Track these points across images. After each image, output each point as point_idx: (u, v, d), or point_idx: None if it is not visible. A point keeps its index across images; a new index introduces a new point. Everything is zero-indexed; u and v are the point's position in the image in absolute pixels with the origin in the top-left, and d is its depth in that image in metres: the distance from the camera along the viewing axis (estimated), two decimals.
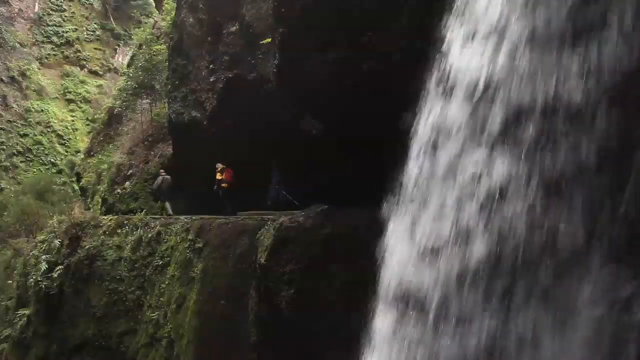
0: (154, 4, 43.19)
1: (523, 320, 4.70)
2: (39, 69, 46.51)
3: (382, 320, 6.16)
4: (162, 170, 20.20)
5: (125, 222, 18.65)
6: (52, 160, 43.84)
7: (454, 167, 5.64)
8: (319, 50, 10.16)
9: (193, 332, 13.67)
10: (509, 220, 4.91)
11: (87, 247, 18.55)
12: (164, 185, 19.57)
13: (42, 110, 45.10)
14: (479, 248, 5.17)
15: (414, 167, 6.34)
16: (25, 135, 43.96)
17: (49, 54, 47.53)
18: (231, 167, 17.02)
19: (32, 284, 19.56)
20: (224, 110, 16.03)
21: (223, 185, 16.93)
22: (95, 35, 49.28)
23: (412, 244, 5.98)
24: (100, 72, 48.68)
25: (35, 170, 42.68)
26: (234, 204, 16.42)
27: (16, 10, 47.01)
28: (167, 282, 15.64)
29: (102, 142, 29.21)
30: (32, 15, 47.69)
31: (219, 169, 17.09)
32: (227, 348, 12.79)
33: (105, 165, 25.73)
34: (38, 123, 44.64)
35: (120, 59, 48.74)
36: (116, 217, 19.60)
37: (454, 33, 6.16)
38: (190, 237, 14.99)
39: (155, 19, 32.22)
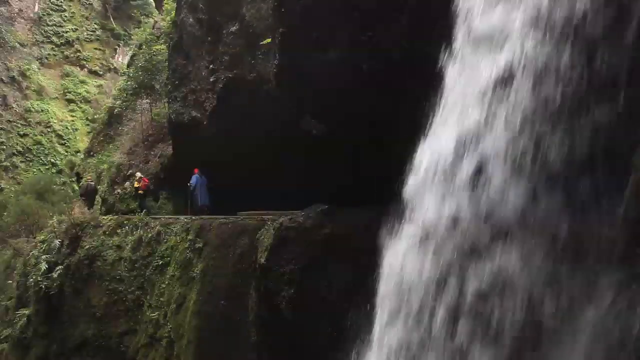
0: (154, 4, 43.17)
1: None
2: (39, 69, 46.46)
3: None
4: (88, 177, 24.79)
5: (125, 222, 18.64)
6: (52, 160, 43.80)
7: None
8: (319, 50, 10.16)
9: (193, 332, 13.66)
10: None
11: (87, 247, 18.54)
12: (88, 191, 23.50)
13: (42, 110, 45.06)
14: None
15: None
16: (25, 135, 43.92)
17: (49, 54, 47.48)
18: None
19: (32, 284, 19.55)
20: (224, 110, 16.01)
21: (139, 192, 20.62)
22: (95, 35, 49.23)
23: None
24: (100, 72, 48.63)
25: (35, 170, 42.65)
26: (149, 205, 20.75)
27: (16, 10, 46.96)
28: (167, 282, 15.63)
29: (102, 142, 29.19)
30: (32, 15, 47.64)
31: (137, 178, 20.87)
32: (227, 348, 12.78)
33: (105, 165, 25.72)
34: (38, 123, 44.60)
35: (120, 59, 48.69)
36: (116, 217, 19.60)
37: None
38: (190, 237, 14.98)
39: (155, 19, 32.21)
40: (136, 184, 20.80)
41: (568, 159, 4.68)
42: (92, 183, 24.06)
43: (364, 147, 10.98)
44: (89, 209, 23.55)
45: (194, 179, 17.96)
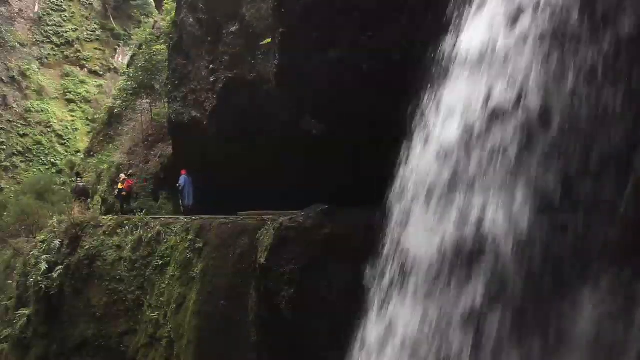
0: (154, 4, 43.13)
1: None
2: (39, 69, 46.44)
3: None
4: (79, 178, 26.66)
5: (125, 222, 18.63)
6: (52, 160, 43.77)
7: None
8: (319, 50, 10.17)
9: (193, 332, 13.66)
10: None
11: (87, 247, 18.54)
12: (77, 192, 24.82)
13: (42, 110, 45.05)
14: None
15: None
16: (25, 135, 43.90)
17: (49, 54, 47.47)
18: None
19: (32, 284, 19.55)
20: (224, 110, 16.02)
21: (123, 193, 21.36)
22: (95, 35, 49.22)
23: None
24: (100, 72, 48.61)
25: (35, 170, 42.62)
26: (129, 204, 21.53)
27: (16, 10, 46.95)
28: (167, 282, 15.63)
29: (102, 142, 29.23)
30: (32, 15, 47.63)
31: (120, 179, 21.59)
32: (227, 348, 12.78)
33: (105, 165, 25.75)
34: (38, 123, 44.58)
35: (120, 59, 48.68)
36: (116, 217, 19.60)
37: None
38: (190, 237, 14.98)
39: (155, 19, 32.21)
40: (120, 185, 21.50)
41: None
42: (81, 184, 25.22)
43: (364, 147, 10.98)
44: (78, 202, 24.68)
45: (181, 180, 18.88)
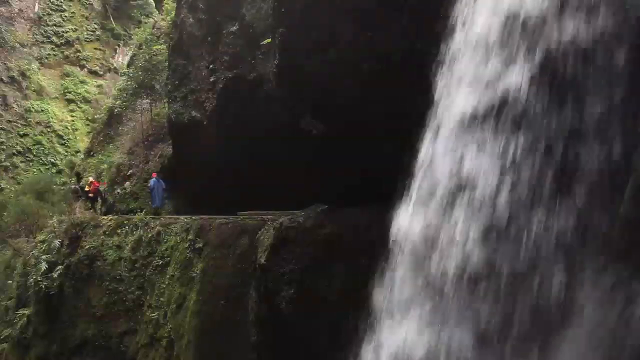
0: (154, 4, 43.14)
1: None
2: (39, 69, 46.39)
3: None
4: (71, 180, 28.60)
5: (125, 222, 18.65)
6: (52, 160, 43.73)
7: None
8: (319, 50, 10.16)
9: (193, 332, 13.67)
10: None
11: (87, 247, 18.56)
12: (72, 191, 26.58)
13: (42, 110, 45.01)
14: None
15: None
16: (25, 135, 43.86)
17: (49, 54, 47.43)
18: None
19: (32, 284, 19.57)
20: (224, 110, 16.02)
21: (90, 195, 23.19)
22: (95, 35, 49.17)
23: None
24: (100, 72, 48.56)
25: (35, 170, 42.58)
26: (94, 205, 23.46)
27: (16, 10, 46.91)
28: (167, 282, 15.64)
29: (102, 142, 29.20)
30: (32, 15, 47.59)
31: (88, 182, 23.30)
32: (227, 348, 12.79)
33: (105, 165, 25.74)
34: (38, 123, 44.54)
35: (120, 59, 48.64)
36: (116, 217, 19.61)
37: None
38: (190, 237, 14.99)
39: (155, 19, 32.19)
40: (87, 188, 22.92)
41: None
42: (73, 186, 26.78)
43: (365, 146, 10.98)
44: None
45: (152, 182, 19.88)
